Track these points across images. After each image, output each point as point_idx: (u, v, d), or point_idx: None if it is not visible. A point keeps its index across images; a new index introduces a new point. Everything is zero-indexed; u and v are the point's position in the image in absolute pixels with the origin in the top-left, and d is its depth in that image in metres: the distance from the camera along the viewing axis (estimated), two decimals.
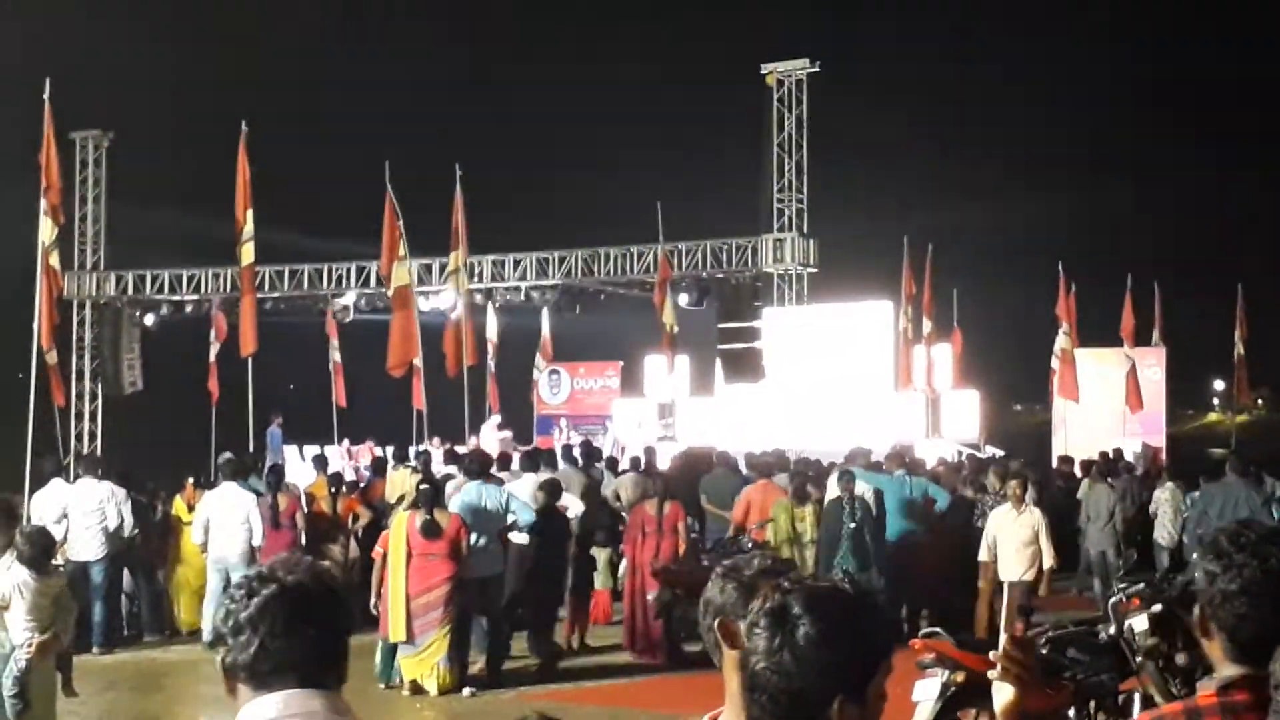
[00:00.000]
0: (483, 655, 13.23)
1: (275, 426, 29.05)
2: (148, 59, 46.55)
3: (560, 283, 32.09)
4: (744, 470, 19.20)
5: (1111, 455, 23.57)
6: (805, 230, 29.84)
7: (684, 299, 29.83)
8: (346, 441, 29.05)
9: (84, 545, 14.57)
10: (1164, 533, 18.47)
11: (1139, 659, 8.82)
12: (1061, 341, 29.06)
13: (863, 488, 15.30)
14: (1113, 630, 9.09)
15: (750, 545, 15.66)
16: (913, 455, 18.42)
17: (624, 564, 15.67)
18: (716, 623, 3.15)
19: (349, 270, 32.51)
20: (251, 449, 23.30)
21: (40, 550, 8.76)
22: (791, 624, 2.44)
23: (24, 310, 19.38)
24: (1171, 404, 34.34)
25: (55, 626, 8.56)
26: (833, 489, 15.30)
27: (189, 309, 33.89)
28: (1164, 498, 17.93)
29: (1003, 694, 2.89)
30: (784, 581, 2.56)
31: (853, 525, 14.32)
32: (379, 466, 19.63)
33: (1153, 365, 31.33)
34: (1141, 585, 9.46)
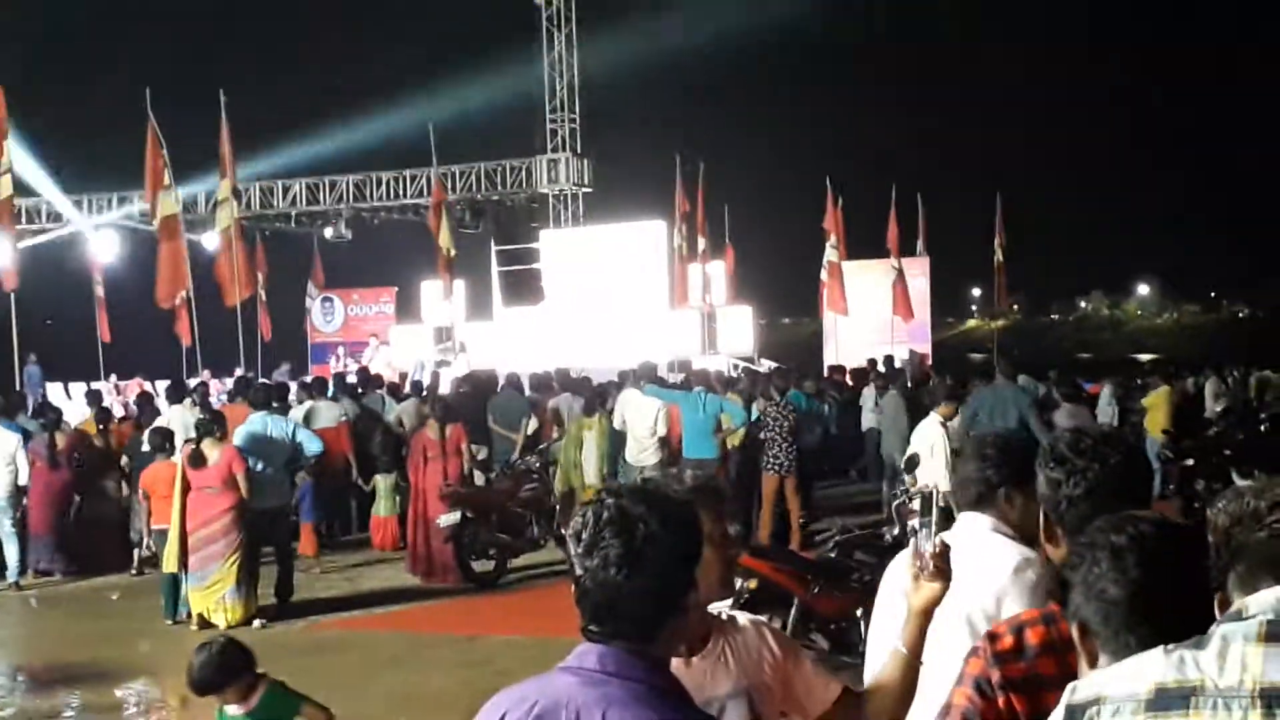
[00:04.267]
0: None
1: (32, 364, 28.11)
2: None
3: (331, 208, 31.58)
4: (528, 391, 19.29)
5: (882, 363, 24.22)
6: (579, 150, 29.84)
7: (460, 222, 29.62)
8: (114, 377, 28.27)
9: None
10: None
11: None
12: (829, 254, 29.70)
13: (656, 404, 15.47)
14: (896, 531, 9.42)
15: (537, 464, 15.82)
16: (706, 372, 18.63)
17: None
18: None
19: (111, 200, 31.48)
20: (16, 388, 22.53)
21: None
22: (633, 527, 2.49)
23: None
24: (934, 312, 35.37)
25: None
26: (627, 405, 15.60)
27: None
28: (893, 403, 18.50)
29: (929, 592, 3.20)
30: (609, 489, 2.60)
31: None
32: (146, 400, 19.14)
33: (917, 275, 32.21)
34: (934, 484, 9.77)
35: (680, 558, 2.51)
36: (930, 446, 12.04)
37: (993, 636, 2.99)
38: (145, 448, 13.89)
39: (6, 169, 19.95)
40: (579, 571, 2.48)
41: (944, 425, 12.26)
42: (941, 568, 3.17)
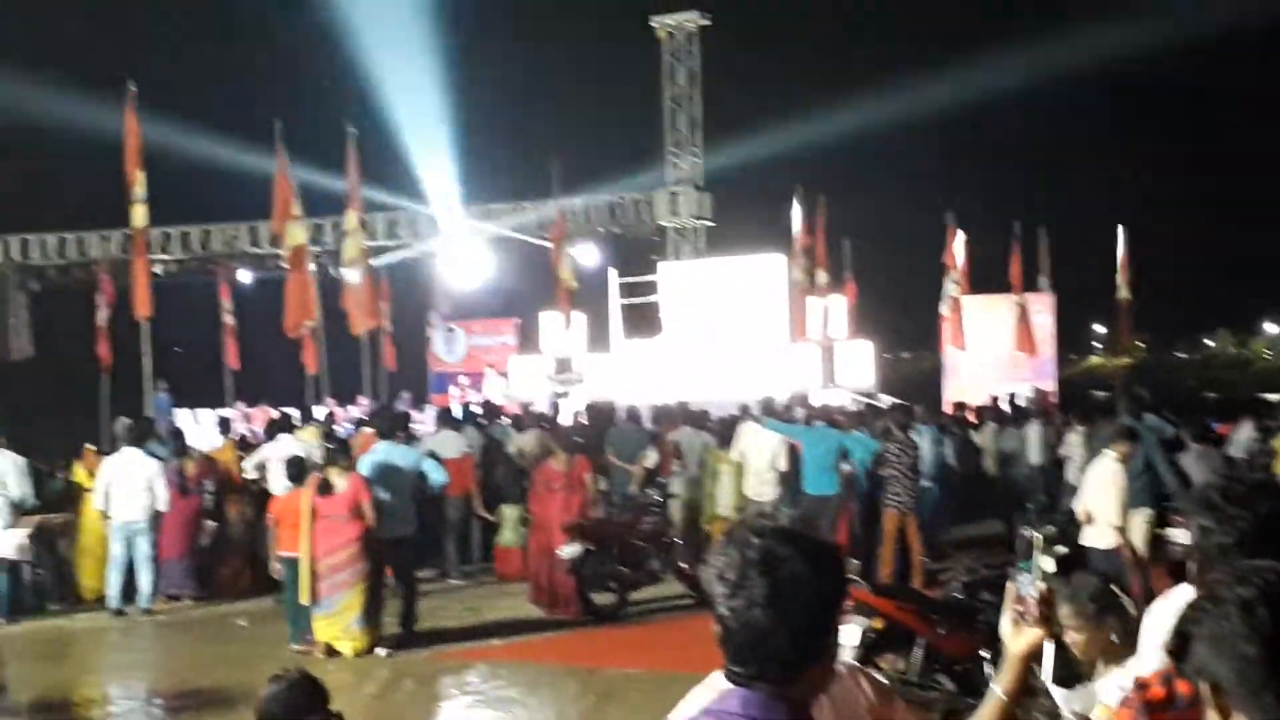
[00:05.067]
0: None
1: (161, 391, 28.67)
2: (37, 22, 45.47)
3: (450, 238, 31.92)
4: (649, 424, 19.33)
5: (1005, 400, 23.92)
6: (700, 184, 29.90)
7: (582, 254, 29.78)
8: (241, 404, 28.77)
9: None
10: (1076, 475, 18.62)
11: None
12: (950, 289, 29.44)
13: (775, 438, 15.46)
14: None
15: (657, 497, 15.84)
16: (829, 407, 18.56)
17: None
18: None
19: (242, 231, 32.05)
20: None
21: None
22: (778, 568, 2.50)
23: None
24: (1058, 348, 34.89)
25: None
26: (746, 438, 15.65)
27: (76, 273, 33.29)
28: (1076, 441, 18.19)
29: (1029, 638, 3.11)
30: (752, 529, 2.61)
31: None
32: (275, 428, 19.41)
33: (1041, 311, 31.82)
34: (1050, 527, 9.66)
35: (825, 600, 2.53)
36: (1105, 487, 11.85)
37: (1142, 686, 2.96)
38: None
39: (140, 199, 20.41)
40: (723, 611, 2.49)
41: (1120, 464, 12.01)
42: (1045, 614, 3.13)
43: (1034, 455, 19.24)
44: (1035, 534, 3.31)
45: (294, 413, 20.16)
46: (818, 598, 2.50)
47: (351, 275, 22.79)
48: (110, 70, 24.35)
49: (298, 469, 13.47)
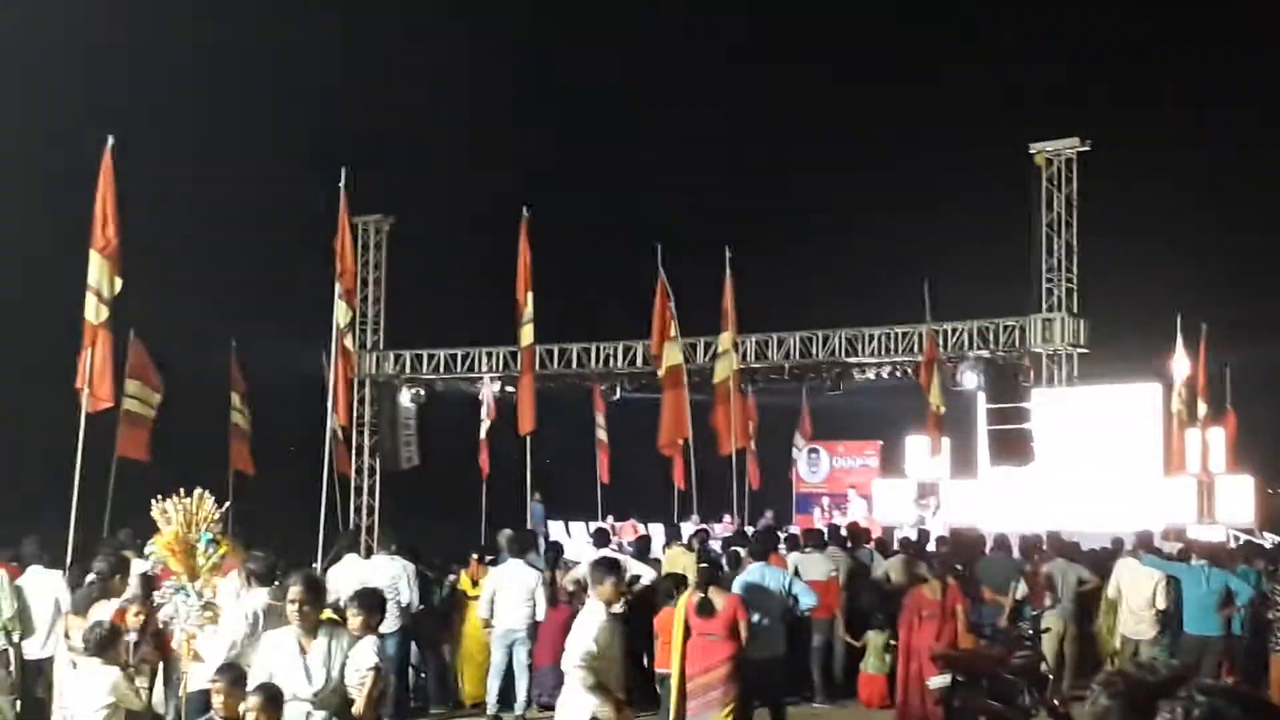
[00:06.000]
0: None
1: (535, 502, 29.64)
2: (431, 144, 48.36)
3: (824, 361, 32.12)
4: (1015, 554, 18.98)
5: None
6: (1075, 310, 29.37)
7: (960, 379, 29.53)
8: (611, 518, 29.49)
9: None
10: None
11: None
12: None
13: (1155, 575, 15.02)
14: None
15: (1029, 630, 15.52)
16: (1213, 544, 17.90)
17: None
18: None
19: (617, 349, 33.00)
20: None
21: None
22: None
23: (310, 388, 20.30)
24: None
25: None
26: (1124, 574, 15.23)
27: (462, 388, 34.85)
28: None
29: None
30: (1198, 686, 2.61)
31: None
32: (644, 545, 19.85)
33: None
34: None
35: None
36: None
37: None
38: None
39: (529, 319, 21.38)
40: None
41: None
42: None
43: None
44: None
45: (659, 528, 20.62)
46: None
47: (720, 395, 23.24)
48: (504, 197, 25.74)
49: (672, 584, 13.74)
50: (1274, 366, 33.78)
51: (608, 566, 10.27)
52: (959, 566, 15.79)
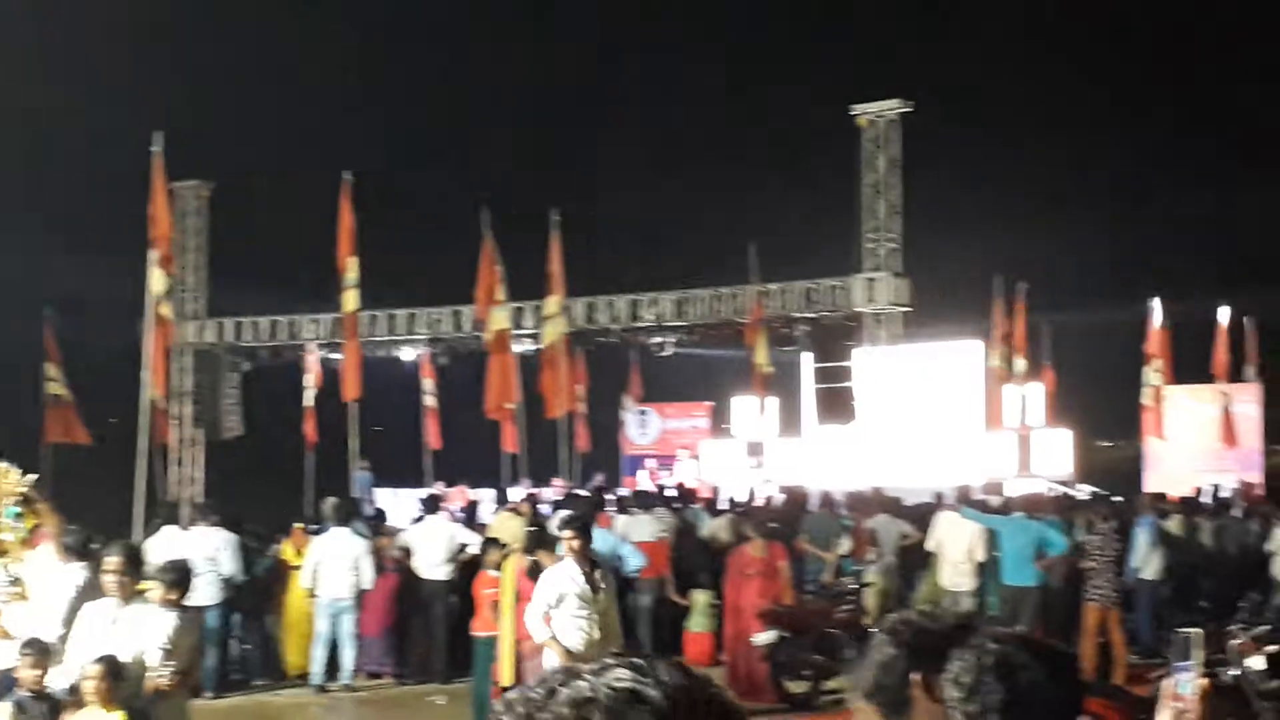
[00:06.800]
0: None
1: (362, 470, 29.25)
2: (252, 110, 47.49)
3: (652, 324, 32.24)
4: (842, 511, 19.24)
5: (1209, 492, 23.26)
6: (898, 270, 29.82)
7: (776, 340, 29.83)
8: (441, 484, 29.20)
9: (199, 591, 14.78)
10: None
11: (1258, 701, 8.76)
12: (1152, 378, 28.87)
13: (973, 528, 15.31)
14: (1232, 672, 9.05)
15: (853, 585, 15.75)
16: (1029, 497, 18.29)
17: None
18: (917, 677, 3.09)
19: (444, 315, 32.75)
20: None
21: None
22: (1016, 675, 2.50)
23: (127, 358, 19.82)
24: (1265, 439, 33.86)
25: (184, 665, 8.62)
26: (943, 528, 15.51)
27: (286, 355, 34.32)
28: None
29: None
30: (989, 634, 2.63)
31: None
32: (471, 511, 19.73)
33: (1247, 402, 30.97)
34: (1262, 627, 9.41)
35: (1061, 711, 2.51)
36: None
37: None
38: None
39: (353, 284, 21.07)
40: (958, 716, 2.50)
41: None
42: (1202, 713, 3.03)
43: (1239, 550, 18.71)
44: (1194, 632, 3.24)
45: (489, 493, 20.53)
46: (1055, 707, 2.48)
47: (547, 358, 23.16)
48: (327, 159, 25.32)
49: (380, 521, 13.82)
50: (1092, 324, 34.68)
51: (579, 526, 10.60)
52: (775, 524, 15.92)
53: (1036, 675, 2.47)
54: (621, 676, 1.48)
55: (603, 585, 10.42)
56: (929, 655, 2.88)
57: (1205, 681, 3.06)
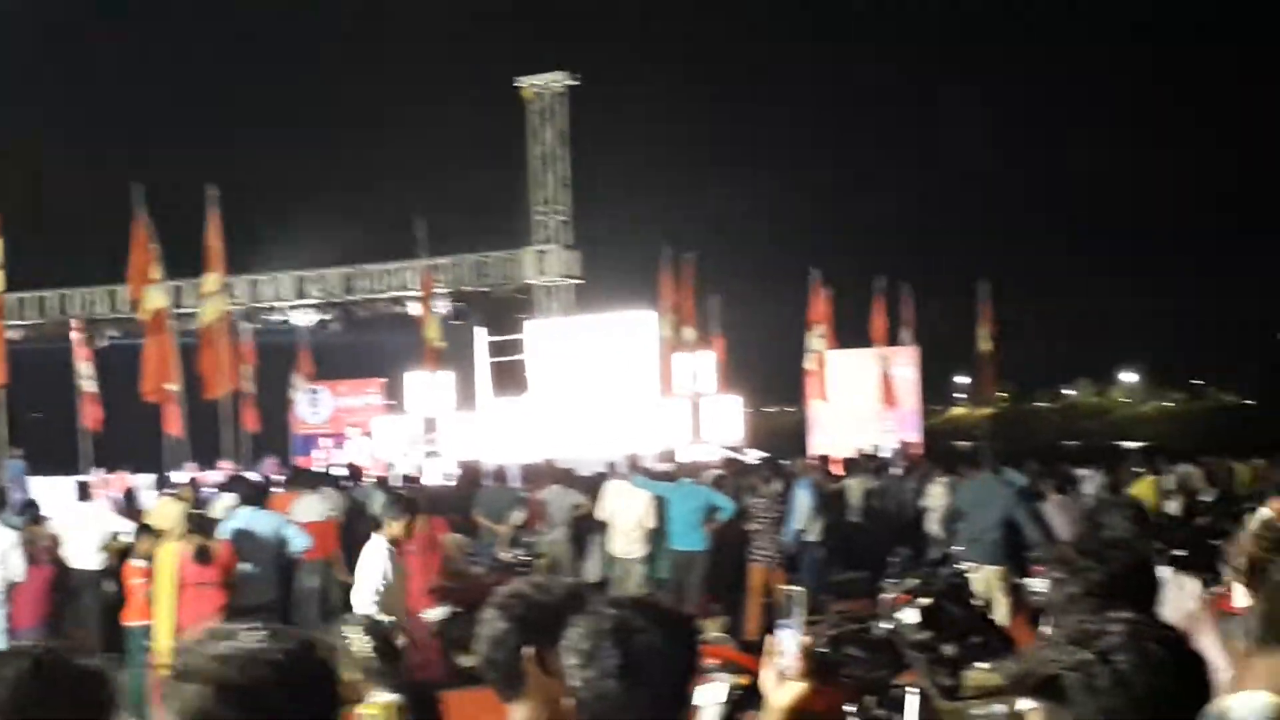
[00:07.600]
0: None
1: (14, 458, 27.89)
2: None
3: (320, 300, 31.66)
4: (517, 483, 19.24)
5: (873, 453, 24.07)
6: (568, 242, 29.96)
7: (448, 313, 29.68)
8: (102, 471, 28.09)
9: None
10: (936, 527, 18.80)
11: (910, 652, 9.05)
12: (814, 343, 29.78)
13: (644, 496, 15.46)
14: (885, 625, 9.33)
15: (525, 557, 15.72)
16: (697, 464, 18.63)
17: None
18: (530, 651, 2.99)
19: (100, 295, 31.49)
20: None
21: None
22: (633, 638, 2.47)
23: None
24: (922, 400, 35.35)
25: None
26: (613, 497, 15.63)
27: None
28: (937, 492, 18.40)
29: (791, 691, 2.94)
30: (606, 600, 2.61)
31: None
32: (128, 496, 19.06)
33: (905, 364, 32.26)
34: (913, 580, 9.74)
35: (679, 671, 2.51)
36: None
37: None
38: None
39: (1, 263, 19.99)
40: (576, 683, 2.47)
41: None
42: (807, 667, 3.00)
43: (897, 507, 19.43)
44: (797, 590, 3.26)
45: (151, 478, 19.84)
46: (672, 668, 2.48)
47: (207, 338, 22.49)
48: None
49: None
50: (761, 293, 35.62)
51: (403, 507, 10.54)
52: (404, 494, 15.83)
53: (653, 638, 2.47)
54: (255, 638, 2.08)
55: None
56: (542, 628, 2.85)
57: (807, 639, 3.05)
